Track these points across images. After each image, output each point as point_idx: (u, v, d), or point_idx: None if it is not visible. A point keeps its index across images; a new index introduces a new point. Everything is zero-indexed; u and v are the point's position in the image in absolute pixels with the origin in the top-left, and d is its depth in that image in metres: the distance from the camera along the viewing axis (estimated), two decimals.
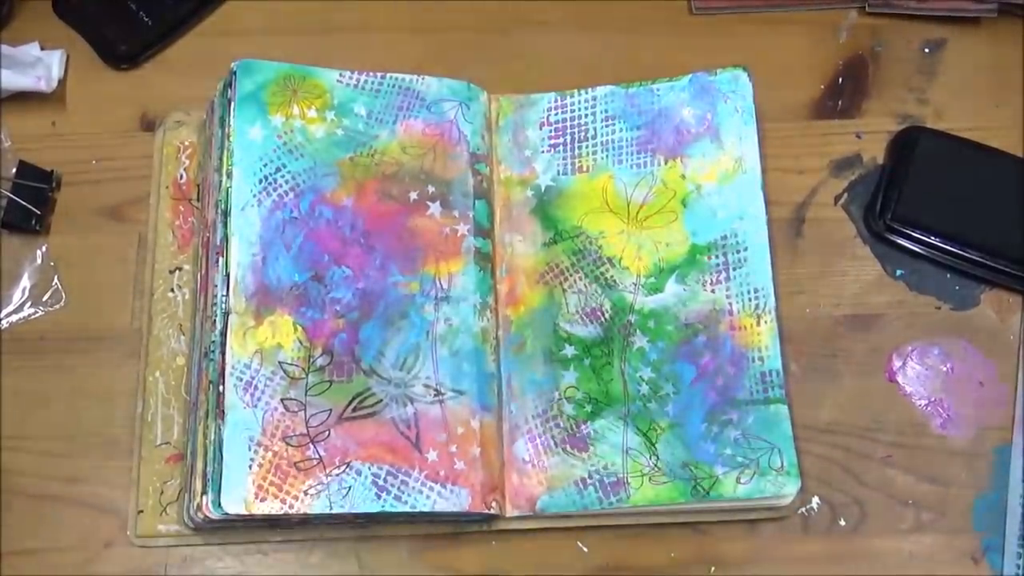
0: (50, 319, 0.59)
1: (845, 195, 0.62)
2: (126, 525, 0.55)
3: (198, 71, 0.63)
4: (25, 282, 0.60)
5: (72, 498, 0.56)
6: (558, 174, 0.60)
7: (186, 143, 0.62)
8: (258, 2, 0.66)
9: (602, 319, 0.57)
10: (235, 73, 0.58)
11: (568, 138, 0.61)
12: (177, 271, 0.59)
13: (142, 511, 0.55)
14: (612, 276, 0.58)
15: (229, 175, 0.57)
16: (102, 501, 0.56)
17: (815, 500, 0.56)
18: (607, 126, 0.61)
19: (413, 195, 0.58)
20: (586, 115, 0.61)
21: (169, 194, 0.61)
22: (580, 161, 0.61)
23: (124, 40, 0.64)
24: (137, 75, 0.64)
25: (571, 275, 0.58)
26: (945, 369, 0.59)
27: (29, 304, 0.60)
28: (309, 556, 0.55)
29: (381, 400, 0.54)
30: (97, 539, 0.55)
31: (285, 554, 0.55)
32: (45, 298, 0.60)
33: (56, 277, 0.60)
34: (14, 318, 0.60)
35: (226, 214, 0.56)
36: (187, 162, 0.61)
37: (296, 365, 0.54)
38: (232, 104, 0.58)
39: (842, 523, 0.56)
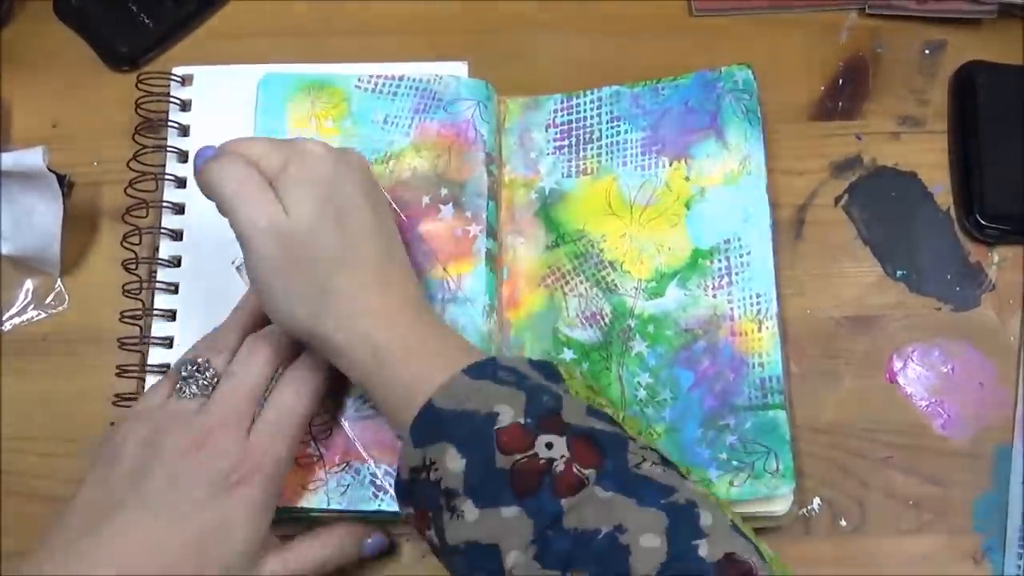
0: (53, 321, 0.60)
1: (845, 196, 0.62)
2: None
3: None
4: (28, 284, 0.60)
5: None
6: (562, 176, 0.60)
7: None
8: (259, 3, 0.66)
9: (602, 323, 0.57)
10: (258, 88, 0.59)
11: (573, 140, 0.61)
12: None
13: None
14: (613, 280, 0.58)
15: None
16: None
17: (816, 501, 0.57)
18: (612, 127, 0.61)
19: (425, 199, 0.58)
20: (592, 116, 0.61)
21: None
22: (584, 163, 0.60)
23: (125, 41, 0.65)
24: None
25: (572, 279, 0.58)
26: (946, 370, 0.59)
27: (32, 306, 0.60)
28: None
29: None
30: None
31: None
32: (48, 300, 0.60)
33: (59, 279, 0.60)
34: (17, 320, 0.60)
35: None
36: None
37: None
38: (254, 121, 0.59)
39: (843, 524, 0.56)
